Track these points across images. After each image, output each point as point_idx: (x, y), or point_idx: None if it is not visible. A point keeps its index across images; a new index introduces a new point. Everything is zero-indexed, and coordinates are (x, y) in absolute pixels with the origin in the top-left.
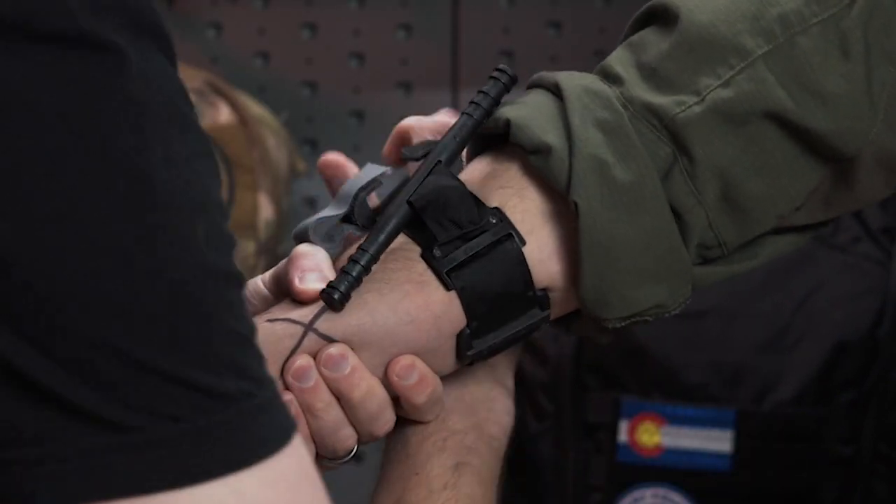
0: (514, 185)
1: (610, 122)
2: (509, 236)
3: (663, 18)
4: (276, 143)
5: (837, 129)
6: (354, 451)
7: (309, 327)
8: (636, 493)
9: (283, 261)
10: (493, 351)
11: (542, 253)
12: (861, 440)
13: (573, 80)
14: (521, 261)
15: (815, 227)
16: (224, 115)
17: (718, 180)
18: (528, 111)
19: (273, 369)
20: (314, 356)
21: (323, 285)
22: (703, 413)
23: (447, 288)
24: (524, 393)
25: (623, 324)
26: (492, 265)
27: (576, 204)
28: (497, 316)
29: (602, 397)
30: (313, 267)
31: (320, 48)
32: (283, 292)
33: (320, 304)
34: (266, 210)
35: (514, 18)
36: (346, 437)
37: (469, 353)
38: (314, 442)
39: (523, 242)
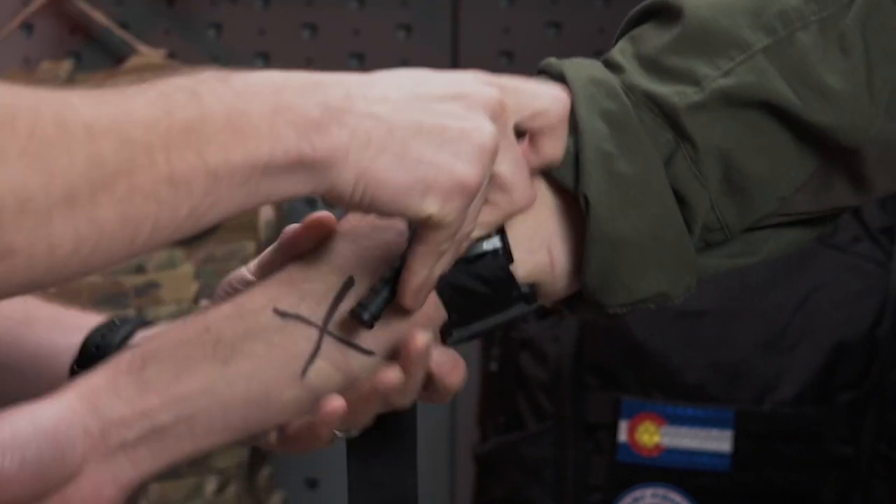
0: None
1: (615, 114)
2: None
3: (665, 14)
4: None
5: (838, 123)
6: None
7: (324, 329)
8: (636, 493)
9: (269, 249)
10: (474, 336)
11: (532, 243)
12: (861, 440)
13: (580, 70)
14: (504, 266)
15: (817, 223)
16: None
17: (720, 163)
18: None
19: (288, 370)
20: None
21: None
22: (702, 413)
23: None
24: (524, 393)
25: (625, 310)
26: (475, 267)
27: (586, 198)
28: (479, 311)
29: (602, 397)
30: None
31: (320, 48)
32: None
33: (328, 297)
34: (266, 210)
35: (514, 18)
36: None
37: (449, 342)
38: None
39: (508, 252)
